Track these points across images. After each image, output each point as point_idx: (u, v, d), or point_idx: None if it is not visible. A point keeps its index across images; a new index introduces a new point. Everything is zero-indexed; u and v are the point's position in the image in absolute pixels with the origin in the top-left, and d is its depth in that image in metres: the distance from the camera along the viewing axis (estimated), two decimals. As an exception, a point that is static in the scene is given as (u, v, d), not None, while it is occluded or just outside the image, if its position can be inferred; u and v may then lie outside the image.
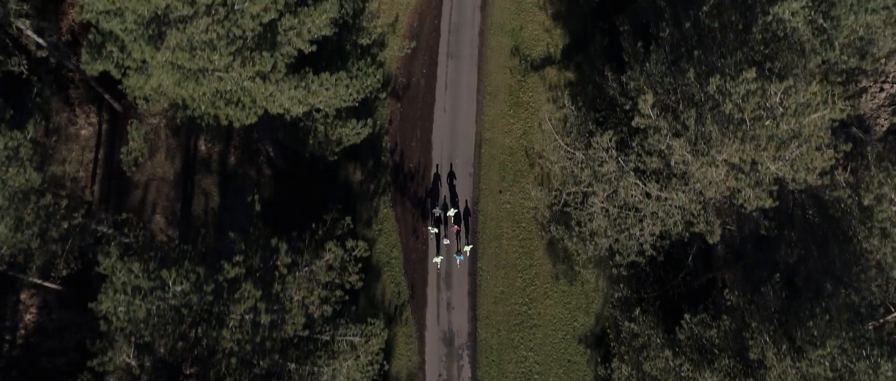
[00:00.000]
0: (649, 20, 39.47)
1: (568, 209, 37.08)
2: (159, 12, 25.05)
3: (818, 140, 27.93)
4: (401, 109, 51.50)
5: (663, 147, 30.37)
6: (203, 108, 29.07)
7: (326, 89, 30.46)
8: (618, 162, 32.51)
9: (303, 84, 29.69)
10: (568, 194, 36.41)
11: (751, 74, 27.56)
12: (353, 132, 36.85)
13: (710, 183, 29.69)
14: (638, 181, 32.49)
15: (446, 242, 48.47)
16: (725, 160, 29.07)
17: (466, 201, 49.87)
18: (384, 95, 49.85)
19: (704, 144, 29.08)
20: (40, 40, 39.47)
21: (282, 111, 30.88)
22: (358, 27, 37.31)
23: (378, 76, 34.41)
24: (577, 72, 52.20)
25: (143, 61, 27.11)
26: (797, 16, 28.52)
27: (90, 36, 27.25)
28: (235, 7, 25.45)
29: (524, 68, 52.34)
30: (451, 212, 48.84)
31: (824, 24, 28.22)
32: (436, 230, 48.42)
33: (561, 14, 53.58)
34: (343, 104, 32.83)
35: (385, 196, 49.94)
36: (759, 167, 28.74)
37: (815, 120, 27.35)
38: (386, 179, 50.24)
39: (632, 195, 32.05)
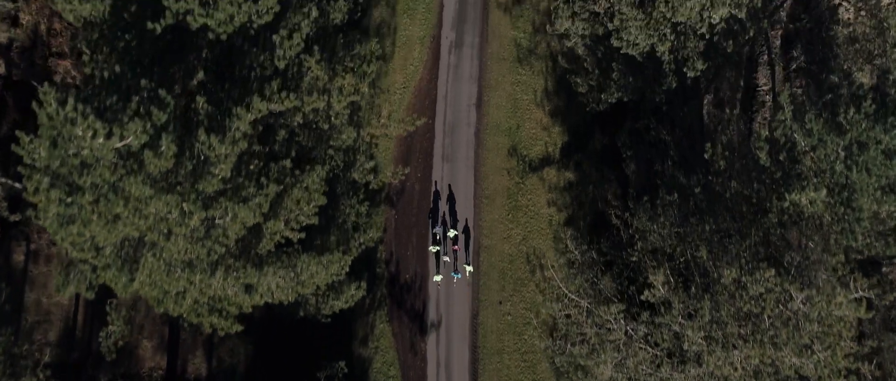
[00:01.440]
0: (653, 156, 37.81)
1: (573, 357, 35.39)
2: (134, 237, 23.30)
3: (844, 347, 26.36)
4: (396, 215, 49.62)
5: (675, 327, 28.80)
6: (185, 315, 27.40)
7: (316, 276, 28.72)
8: (627, 332, 30.90)
9: (292, 274, 27.96)
10: (573, 345, 34.73)
11: (769, 273, 25.97)
12: (344, 301, 35.08)
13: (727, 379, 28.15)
14: (648, 347, 30.85)
15: (446, 259, 47.16)
16: (744, 360, 27.53)
17: (466, 219, 48.25)
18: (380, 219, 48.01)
19: (719, 331, 27.49)
20: (16, 184, 37.59)
21: (270, 299, 29.12)
22: (350, 169, 35.48)
23: (371, 234, 32.68)
24: (577, 171, 50.36)
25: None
26: (815, 205, 26.92)
27: (62, 254, 25.46)
28: (216, 221, 23.72)
29: (522, 169, 50.49)
30: (452, 233, 47.51)
31: (846, 215, 26.62)
32: (436, 248, 47.14)
33: (559, 110, 51.71)
34: (335, 279, 31.12)
35: (381, 310, 48.10)
36: (780, 366, 27.16)
37: (840, 327, 25.80)
38: (382, 291, 48.38)
39: (642, 370, 30.45)
